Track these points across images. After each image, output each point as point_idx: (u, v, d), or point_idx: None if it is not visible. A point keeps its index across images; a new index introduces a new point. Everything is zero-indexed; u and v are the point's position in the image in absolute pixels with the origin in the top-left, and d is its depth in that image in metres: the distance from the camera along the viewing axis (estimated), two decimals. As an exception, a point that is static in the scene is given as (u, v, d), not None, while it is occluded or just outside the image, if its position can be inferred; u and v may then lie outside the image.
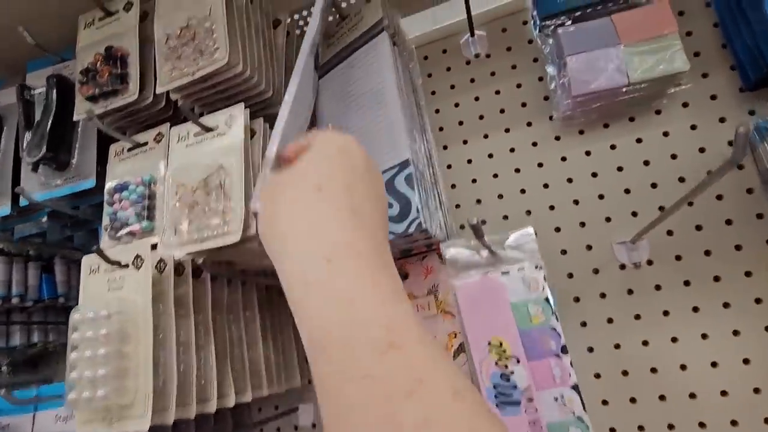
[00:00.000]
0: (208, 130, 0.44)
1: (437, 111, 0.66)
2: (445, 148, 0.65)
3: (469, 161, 0.63)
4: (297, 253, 0.24)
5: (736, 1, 0.50)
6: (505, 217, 0.60)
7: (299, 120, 0.44)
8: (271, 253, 0.26)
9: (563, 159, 0.58)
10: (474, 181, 0.62)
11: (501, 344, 0.32)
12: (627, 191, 0.55)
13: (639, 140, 0.56)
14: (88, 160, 0.55)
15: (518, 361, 0.32)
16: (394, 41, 0.54)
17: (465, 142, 0.64)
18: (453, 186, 0.63)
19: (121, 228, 0.47)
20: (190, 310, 0.47)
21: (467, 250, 0.39)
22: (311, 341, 0.22)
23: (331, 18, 0.59)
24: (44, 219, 0.64)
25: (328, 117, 0.55)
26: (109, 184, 0.50)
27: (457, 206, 0.63)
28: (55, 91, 0.54)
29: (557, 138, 0.59)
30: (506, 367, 0.32)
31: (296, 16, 0.63)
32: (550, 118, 0.60)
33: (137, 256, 0.43)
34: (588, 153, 0.58)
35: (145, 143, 0.51)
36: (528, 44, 0.63)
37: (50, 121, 0.53)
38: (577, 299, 0.55)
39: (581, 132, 0.58)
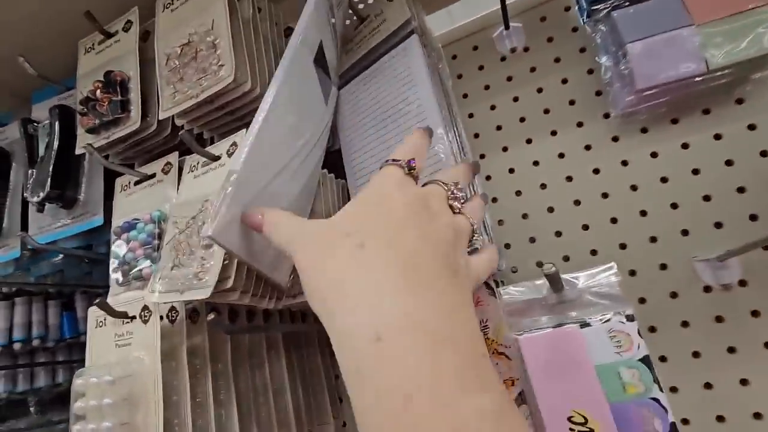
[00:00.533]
0: (215, 159, 0.39)
1: (471, 116, 0.59)
2: (482, 157, 0.58)
3: (512, 171, 0.56)
4: (343, 330, 0.19)
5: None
6: (558, 234, 0.52)
7: (300, 133, 0.38)
8: (320, 317, 0.21)
9: (624, 163, 0.50)
10: (518, 193, 0.55)
11: (586, 421, 0.25)
12: (707, 198, 0.46)
13: (718, 136, 0.47)
14: (95, 194, 0.51)
15: (612, 445, 0.25)
16: (423, 42, 0.48)
17: (505, 149, 0.57)
18: (494, 200, 0.56)
19: (131, 272, 0.43)
20: (207, 361, 0.41)
21: (527, 289, 0.32)
22: None
23: (348, 21, 0.53)
24: (59, 257, 0.61)
25: (350, 133, 0.49)
26: (116, 223, 0.45)
27: (500, 222, 0.55)
28: (58, 123, 0.50)
29: (615, 139, 0.51)
30: (596, 452, 0.25)
31: (310, 23, 0.57)
32: (606, 116, 0.52)
33: (144, 308, 0.38)
34: (654, 155, 0.49)
35: (153, 175, 0.46)
36: (572, 33, 0.55)
37: (54, 157, 0.49)
38: (652, 329, 0.46)
39: (644, 130, 0.50)
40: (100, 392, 0.34)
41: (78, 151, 0.46)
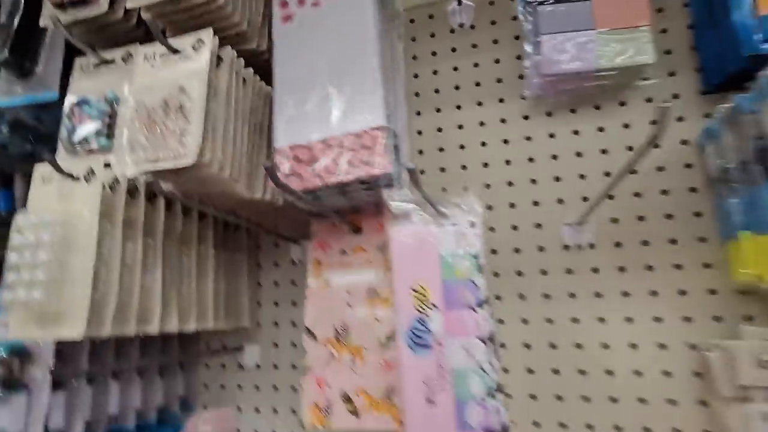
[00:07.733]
0: (174, 51, 0.44)
1: (416, 76, 0.67)
2: (418, 114, 0.66)
3: (439, 130, 0.64)
4: None
5: (708, 6, 0.51)
6: (466, 189, 0.61)
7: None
8: None
9: (528, 138, 0.60)
10: (441, 149, 0.64)
11: (424, 291, 0.34)
12: (582, 176, 0.57)
13: (601, 129, 0.57)
14: (53, 71, 0.53)
15: (436, 308, 0.34)
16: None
17: (438, 110, 0.65)
18: (420, 152, 0.64)
19: (78, 142, 0.47)
20: (139, 233, 0.47)
21: (412, 206, 0.41)
22: None
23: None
24: (5, 130, 0.63)
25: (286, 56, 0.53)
26: (71, 98, 0.49)
27: (422, 172, 0.64)
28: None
29: (525, 117, 0.61)
30: (424, 312, 0.34)
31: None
32: (522, 97, 0.61)
33: (90, 170, 0.44)
34: (552, 135, 0.59)
35: (113, 61, 0.50)
36: (512, 21, 0.63)
37: (16, 23, 0.51)
38: (519, 273, 0.57)
39: (549, 114, 0.60)
40: (40, 229, 0.40)
41: (42, 23, 0.48)
